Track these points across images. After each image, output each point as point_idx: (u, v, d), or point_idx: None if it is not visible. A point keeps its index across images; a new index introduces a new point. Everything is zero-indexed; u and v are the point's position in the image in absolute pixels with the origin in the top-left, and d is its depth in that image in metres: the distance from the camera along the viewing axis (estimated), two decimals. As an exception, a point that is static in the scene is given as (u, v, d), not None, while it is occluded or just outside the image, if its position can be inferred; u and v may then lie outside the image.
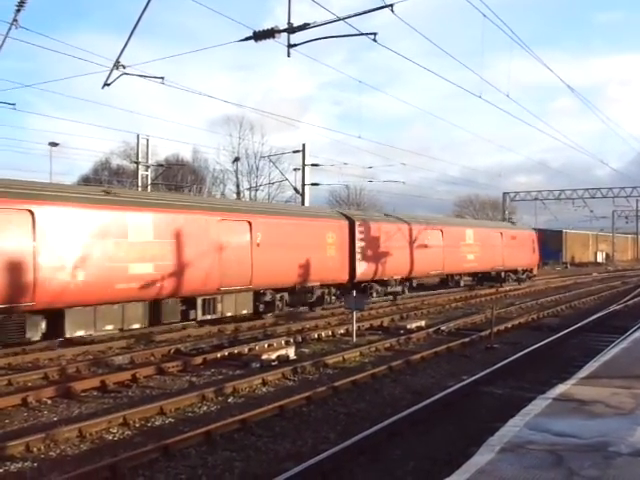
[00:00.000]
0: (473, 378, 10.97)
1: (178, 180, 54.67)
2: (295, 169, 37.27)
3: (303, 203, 32.68)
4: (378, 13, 10.68)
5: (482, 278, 32.88)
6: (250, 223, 18.07)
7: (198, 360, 12.90)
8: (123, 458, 6.93)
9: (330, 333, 16.99)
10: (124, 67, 12.50)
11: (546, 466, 5.01)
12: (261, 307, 18.78)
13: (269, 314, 19.29)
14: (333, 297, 21.77)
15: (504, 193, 59.03)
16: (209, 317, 16.96)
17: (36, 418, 9.07)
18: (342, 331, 17.21)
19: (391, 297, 25.27)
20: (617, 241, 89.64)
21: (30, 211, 12.78)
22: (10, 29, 11.59)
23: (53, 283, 13.00)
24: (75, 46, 20.04)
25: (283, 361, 12.82)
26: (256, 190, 57.53)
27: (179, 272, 15.63)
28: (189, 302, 16.36)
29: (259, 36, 10.96)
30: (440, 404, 9.35)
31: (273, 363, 12.64)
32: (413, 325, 17.98)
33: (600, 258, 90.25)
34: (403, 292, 26.05)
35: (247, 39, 11.20)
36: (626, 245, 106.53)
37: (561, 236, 79.55)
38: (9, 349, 13.44)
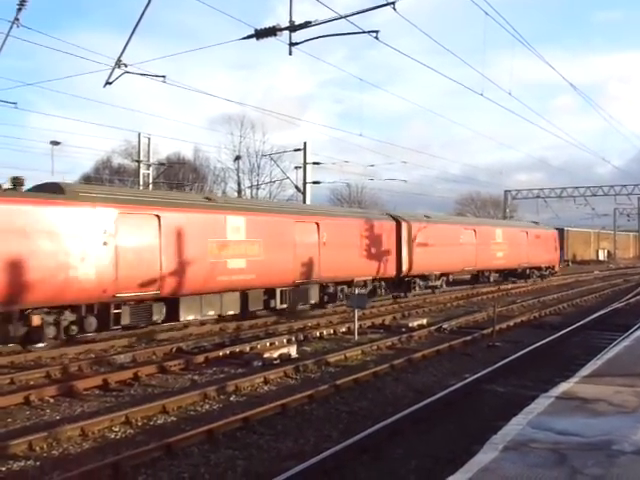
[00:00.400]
0: (475, 376, 10.96)
1: (179, 179, 54.65)
2: (296, 167, 37.30)
3: (304, 201, 32.67)
4: (380, 11, 10.66)
5: (508, 274, 35.23)
6: (318, 224, 20.81)
7: (200, 359, 12.90)
8: (126, 457, 6.93)
9: (332, 331, 16.98)
10: (125, 66, 12.51)
11: (549, 465, 5.01)
12: (325, 298, 21.45)
13: (331, 304, 21.75)
14: (383, 290, 24.43)
15: (506, 191, 59.03)
16: (285, 306, 19.62)
17: (38, 417, 9.07)
18: (344, 329, 17.21)
19: (430, 290, 27.71)
20: (619, 239, 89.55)
21: (157, 216, 15.30)
22: (11, 28, 11.61)
23: (173, 275, 15.57)
24: (76, 45, 20.09)
25: (285, 359, 12.82)
26: (257, 188, 57.62)
27: (264, 267, 18.35)
28: (270, 293, 19.00)
29: (261, 34, 10.95)
30: (442, 403, 9.34)
31: (275, 361, 12.64)
32: (415, 323, 17.98)
33: (602, 256, 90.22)
34: (441, 286, 28.35)
35: (249, 37, 11.20)
36: (628, 243, 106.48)
37: (563, 234, 79.49)
38: (10, 348, 13.46)
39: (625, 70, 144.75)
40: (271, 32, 10.84)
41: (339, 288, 21.76)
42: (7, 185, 13.47)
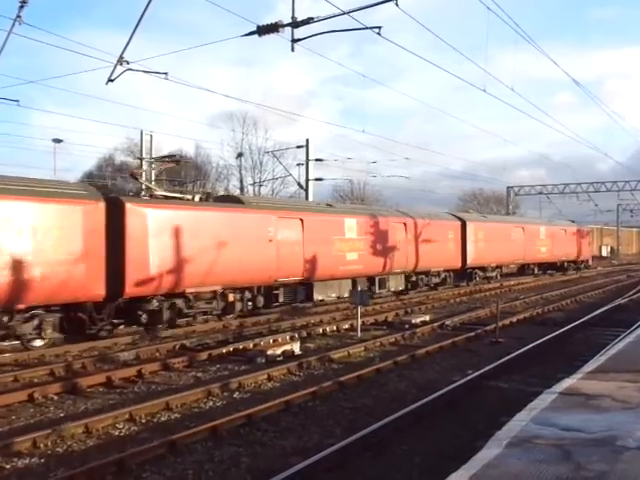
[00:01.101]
0: (478, 372, 10.96)
1: (182, 176, 54.60)
2: (299, 164, 37.27)
3: (307, 198, 32.65)
4: (382, 7, 10.63)
5: (548, 267, 40.00)
6: (405, 224, 25.28)
7: (203, 356, 12.92)
8: (130, 454, 6.95)
9: (335, 328, 16.99)
10: (128, 63, 12.47)
11: (554, 460, 5.00)
12: (409, 285, 26.12)
13: (412, 291, 26.20)
14: (451, 279, 29.19)
15: (508, 187, 58.96)
16: (383, 291, 24.27)
17: (42, 414, 9.10)
18: (347, 326, 17.21)
19: (486, 280, 32.14)
20: (622, 235, 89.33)
21: (301, 219, 19.94)
22: (14, 25, 11.59)
23: (309, 264, 19.99)
24: (78, 42, 20.07)
25: (288, 356, 12.83)
26: (260, 186, 57.55)
27: (369, 259, 22.77)
28: (371, 280, 23.42)
29: (263, 31, 10.92)
30: (446, 399, 9.34)
31: (278, 358, 12.65)
32: (418, 320, 17.97)
33: (605, 252, 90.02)
34: (496, 277, 33.30)
35: (251, 34, 11.16)
36: (631, 239, 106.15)
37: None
38: (14, 345, 13.49)
39: (623, 67, 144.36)
40: (273, 28, 10.81)
41: (420, 277, 26.68)
42: (196, 198, 18.12)
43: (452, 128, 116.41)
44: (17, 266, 12.38)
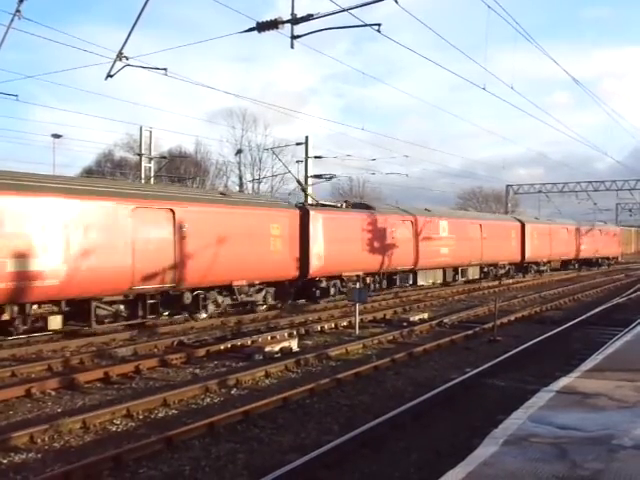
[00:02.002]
0: (476, 370, 10.97)
1: (181, 172, 54.58)
2: (298, 161, 37.23)
3: (306, 196, 32.60)
4: (382, 4, 10.63)
5: (584, 263, 46.55)
6: (481, 225, 31.44)
7: (201, 352, 12.92)
8: (127, 449, 6.95)
9: (333, 325, 17.00)
10: (127, 58, 12.45)
11: (550, 459, 5.01)
12: (482, 275, 31.98)
13: (484, 280, 31.94)
14: (511, 271, 35.29)
15: (507, 185, 58.94)
16: (463, 279, 30.29)
17: (40, 409, 9.10)
18: (345, 323, 17.22)
19: (539, 274, 38.50)
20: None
21: (412, 221, 25.94)
22: (13, 20, 11.56)
23: (417, 256, 25.83)
24: (78, 37, 20.03)
25: (286, 353, 12.84)
26: (259, 182, 57.51)
27: (456, 253, 28.69)
28: (455, 270, 29.40)
29: (262, 27, 10.90)
30: (443, 396, 9.35)
31: (276, 355, 12.66)
32: (416, 318, 17.99)
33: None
34: (546, 270, 40.01)
35: (250, 30, 11.14)
36: (630, 238, 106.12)
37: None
38: (13, 341, 13.49)
39: (619, 66, 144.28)
40: (273, 25, 10.79)
41: (490, 268, 32.83)
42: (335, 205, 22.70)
43: (450, 126, 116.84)
44: (260, 257, 18.26)
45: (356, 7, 10.71)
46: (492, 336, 15.05)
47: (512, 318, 18.42)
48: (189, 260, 16.03)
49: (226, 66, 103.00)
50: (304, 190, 29.97)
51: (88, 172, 51.57)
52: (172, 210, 15.80)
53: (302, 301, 21.47)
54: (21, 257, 12.77)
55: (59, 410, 9.04)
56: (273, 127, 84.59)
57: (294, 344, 13.48)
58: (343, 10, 10.58)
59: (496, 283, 31.69)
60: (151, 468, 6.69)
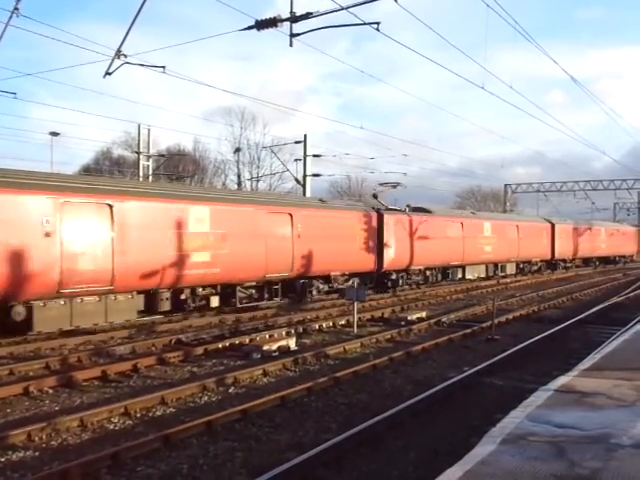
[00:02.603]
0: (474, 369, 10.97)
1: (179, 170, 54.55)
2: (296, 160, 37.22)
3: (304, 194, 32.62)
4: (381, 3, 10.61)
5: (603, 260, 50.85)
6: (517, 226, 35.30)
7: (199, 350, 12.91)
8: (124, 448, 6.94)
9: (331, 324, 17.00)
10: (125, 56, 12.43)
11: (547, 458, 5.01)
12: (517, 270, 36.23)
13: (518, 275, 36.04)
14: (543, 267, 39.84)
15: (506, 185, 58.94)
16: (502, 274, 34.11)
17: (38, 407, 9.08)
18: (343, 322, 17.22)
19: (565, 270, 42.79)
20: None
21: (461, 223, 29.85)
22: (11, 17, 11.53)
23: (464, 253, 29.49)
24: (76, 35, 20.00)
25: (284, 352, 12.83)
26: (257, 181, 57.49)
27: (496, 251, 32.82)
28: (495, 266, 33.24)
29: (261, 25, 10.89)
30: (441, 395, 9.35)
31: (274, 354, 12.65)
32: (414, 316, 17.99)
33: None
34: (572, 267, 44.14)
35: (249, 28, 11.13)
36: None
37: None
38: (11, 339, 13.48)
39: (615, 66, 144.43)
40: (272, 23, 10.78)
41: (525, 265, 37.22)
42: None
43: (448, 125, 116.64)
44: (349, 252, 22.15)
45: (355, 5, 10.70)
46: (490, 335, 15.06)
47: (510, 317, 18.43)
48: (301, 254, 19.82)
49: (225, 64, 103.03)
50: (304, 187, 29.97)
51: (86, 170, 51.46)
52: (290, 214, 19.69)
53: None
54: (201, 250, 16.53)
55: (57, 408, 9.02)
56: (271, 126, 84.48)
57: (292, 343, 13.48)
58: (342, 8, 10.57)
59: (494, 282, 31.72)
60: (149, 466, 6.68)
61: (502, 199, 60.10)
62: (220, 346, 13.44)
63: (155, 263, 15.36)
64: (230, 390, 10.06)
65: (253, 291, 18.97)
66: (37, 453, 7.09)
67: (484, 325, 16.24)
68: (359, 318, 16.97)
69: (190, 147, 60.21)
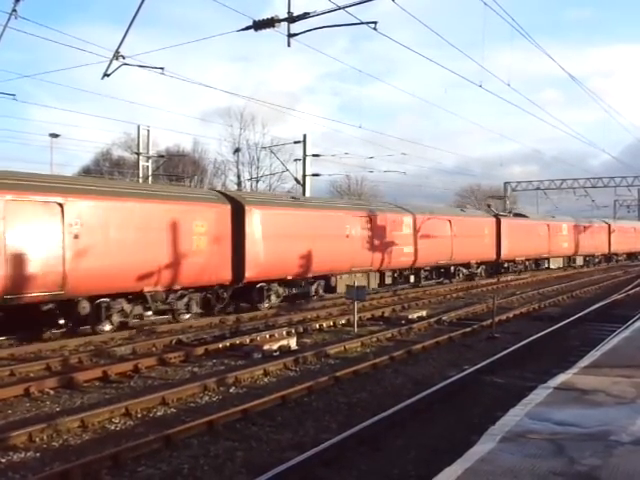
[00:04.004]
0: (474, 367, 10.99)
1: (179, 171, 54.55)
2: (296, 160, 37.22)
3: (304, 194, 32.62)
4: (378, 2, 10.65)
5: (631, 255, 57.73)
6: (584, 227, 42.56)
7: (200, 351, 12.92)
8: (125, 448, 6.95)
9: (331, 323, 17.01)
10: (124, 57, 12.44)
11: (547, 455, 5.03)
12: (584, 262, 45.80)
13: (584, 266, 44.80)
14: (602, 261, 48.91)
15: (505, 183, 58.88)
16: (575, 264, 42.83)
17: (38, 408, 9.10)
18: (343, 321, 17.23)
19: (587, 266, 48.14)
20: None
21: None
22: (9, 19, 11.55)
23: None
24: (75, 36, 20.00)
25: (284, 351, 12.84)
26: (257, 181, 57.52)
27: (570, 246, 41.55)
28: (569, 259, 41.56)
29: (259, 25, 10.90)
30: (441, 394, 9.37)
31: (275, 353, 12.66)
32: (414, 315, 18.00)
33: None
34: (622, 260, 53.17)
35: (247, 28, 11.14)
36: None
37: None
38: (10, 340, 13.49)
39: (605, 65, 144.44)
40: (269, 23, 10.79)
41: (589, 258, 45.81)
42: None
43: (445, 124, 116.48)
44: (482, 246, 31.14)
45: (352, 5, 10.71)
46: (490, 333, 15.07)
47: (510, 315, 18.44)
48: (456, 250, 28.88)
49: (223, 65, 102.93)
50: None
51: (86, 171, 51.48)
52: (449, 221, 28.79)
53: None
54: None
55: (58, 409, 9.04)
56: (272, 126, 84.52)
57: (293, 342, 13.49)
58: (339, 8, 10.58)
59: (494, 280, 31.72)
60: (150, 467, 6.69)
61: (501, 197, 60.04)
62: (221, 346, 13.45)
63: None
64: (231, 390, 10.07)
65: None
66: (38, 454, 7.10)
67: (484, 323, 16.26)
68: (359, 317, 16.98)
69: (190, 148, 60.28)
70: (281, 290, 19.80)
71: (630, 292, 25.38)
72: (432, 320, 17.35)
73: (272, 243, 18.51)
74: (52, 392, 9.92)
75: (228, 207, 17.69)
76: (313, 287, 21.14)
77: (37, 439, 7.48)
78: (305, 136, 33.45)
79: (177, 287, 16.16)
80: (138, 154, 33.57)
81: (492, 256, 32.65)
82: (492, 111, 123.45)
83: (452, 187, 72.80)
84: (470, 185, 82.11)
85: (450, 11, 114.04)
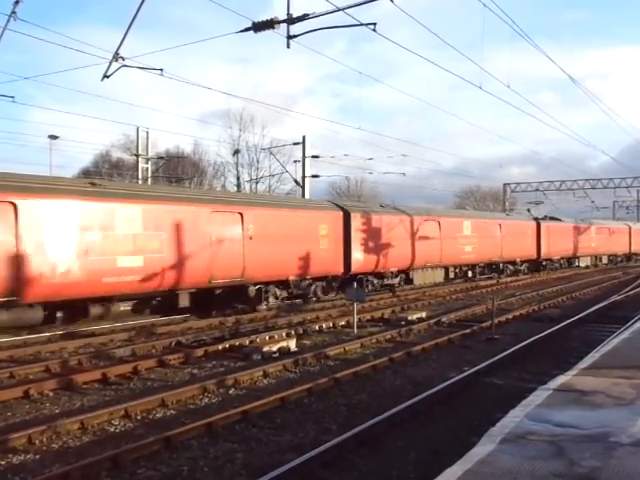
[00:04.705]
0: (474, 369, 10.98)
1: (179, 172, 54.54)
2: (295, 161, 37.23)
3: (303, 195, 32.63)
4: (378, 4, 10.63)
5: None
6: (609, 229, 48.19)
7: (199, 352, 12.91)
8: (125, 450, 6.95)
9: (331, 325, 17.00)
10: (123, 59, 12.45)
11: (547, 457, 5.02)
12: (609, 261, 51.23)
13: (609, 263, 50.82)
14: (623, 260, 54.60)
15: (504, 184, 58.94)
16: (601, 262, 48.72)
17: (38, 410, 9.09)
18: (343, 323, 17.23)
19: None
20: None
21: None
22: (9, 21, 11.56)
23: (581, 248, 44.56)
24: (74, 38, 19.95)
25: (284, 353, 12.84)
26: (256, 182, 57.51)
27: (597, 246, 47.17)
28: (596, 257, 47.22)
29: (258, 27, 10.90)
30: (441, 395, 9.36)
31: (274, 355, 12.66)
32: (414, 316, 18.00)
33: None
34: (622, 261, 55.38)
35: (246, 30, 11.14)
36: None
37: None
38: (10, 342, 13.48)
39: (600, 67, 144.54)
40: (269, 25, 10.79)
41: (613, 257, 49.98)
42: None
43: (443, 125, 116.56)
44: (526, 246, 36.59)
45: (352, 6, 10.72)
46: (490, 334, 15.07)
47: (510, 316, 18.44)
48: (506, 247, 34.07)
49: (223, 67, 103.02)
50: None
51: (85, 173, 51.46)
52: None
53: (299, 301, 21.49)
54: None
55: (57, 411, 9.03)
56: (271, 127, 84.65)
57: (292, 344, 13.48)
58: (339, 9, 10.59)
59: (494, 282, 31.72)
60: (149, 468, 6.69)
61: (501, 199, 60.08)
62: (220, 348, 13.44)
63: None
64: (230, 391, 10.07)
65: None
66: (38, 456, 7.09)
67: (484, 325, 16.26)
68: (359, 319, 16.98)
69: (189, 149, 60.28)
70: (375, 281, 24.02)
71: (629, 293, 25.37)
72: (432, 321, 17.35)
73: (368, 243, 23.10)
74: (51, 394, 9.91)
75: (340, 213, 22.32)
76: (397, 279, 25.84)
77: (37, 441, 7.47)
78: (304, 137, 33.45)
79: (308, 277, 20.79)
80: (137, 156, 33.59)
81: (533, 255, 38.08)
82: (491, 113, 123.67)
83: (451, 188, 72.96)
84: (470, 186, 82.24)
85: (450, 12, 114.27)
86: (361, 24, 10.79)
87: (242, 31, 11.21)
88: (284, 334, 14.95)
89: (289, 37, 10.91)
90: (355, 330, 15.93)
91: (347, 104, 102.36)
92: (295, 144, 35.13)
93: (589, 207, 57.33)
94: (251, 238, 18.02)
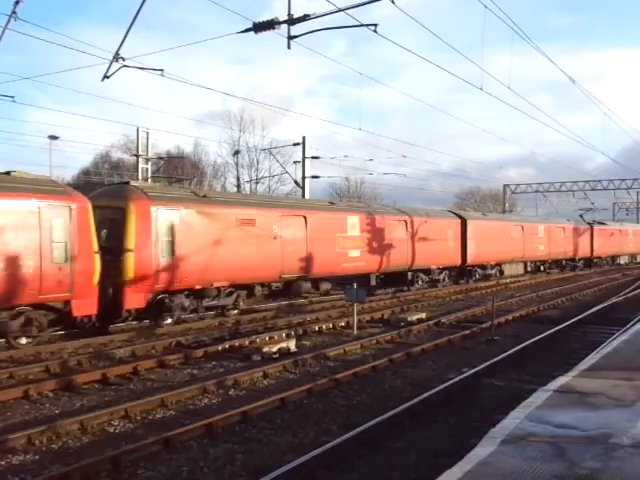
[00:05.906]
0: (474, 370, 10.97)
1: (179, 173, 54.54)
2: (295, 162, 37.23)
3: (304, 196, 32.63)
4: (378, 5, 10.65)
5: None
6: (620, 231, 52.83)
7: (199, 353, 12.91)
8: (125, 451, 6.94)
9: (331, 326, 16.99)
10: (123, 59, 12.44)
11: (547, 458, 5.02)
12: (629, 260, 57.58)
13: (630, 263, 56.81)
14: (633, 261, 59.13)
15: (504, 185, 58.96)
16: (621, 262, 54.28)
17: (38, 411, 9.08)
18: (343, 324, 17.22)
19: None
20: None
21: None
22: (9, 21, 11.56)
23: (598, 248, 47.91)
24: (74, 39, 19.96)
25: (284, 354, 12.83)
26: (256, 183, 57.50)
27: (617, 247, 51.81)
28: (617, 257, 53.62)
29: (259, 27, 10.89)
30: (441, 396, 9.36)
31: (274, 356, 12.65)
32: (414, 317, 17.98)
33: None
34: (631, 261, 59.49)
35: (247, 30, 11.13)
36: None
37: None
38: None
39: (592, 70, 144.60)
40: (269, 25, 10.78)
41: (633, 258, 55.94)
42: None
43: (441, 126, 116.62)
44: (580, 247, 44.88)
45: (352, 7, 10.72)
46: (490, 336, 15.06)
47: (510, 318, 18.44)
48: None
49: (223, 67, 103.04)
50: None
51: (85, 173, 51.49)
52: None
53: (301, 300, 21.46)
54: None
55: (57, 412, 9.02)
56: (271, 128, 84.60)
57: (292, 344, 13.47)
58: (339, 10, 10.58)
59: (494, 283, 31.70)
60: (149, 469, 6.68)
61: (501, 200, 60.11)
62: (220, 348, 13.44)
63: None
64: (230, 392, 10.06)
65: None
66: (37, 456, 7.09)
67: (484, 326, 16.25)
68: (359, 319, 16.97)
69: (190, 150, 60.29)
70: (480, 271, 31.75)
71: (629, 295, 25.36)
72: (431, 322, 17.34)
73: (479, 244, 30.59)
74: (51, 394, 9.91)
75: (459, 221, 30.02)
76: (493, 270, 33.15)
77: (36, 442, 7.47)
78: (304, 138, 33.46)
79: (440, 267, 28.43)
80: (137, 156, 33.56)
81: (588, 253, 46.25)
82: (490, 114, 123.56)
83: (450, 189, 72.95)
84: (470, 187, 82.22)
85: (450, 13, 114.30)
86: (362, 25, 10.79)
87: (243, 32, 11.20)
88: (284, 335, 14.94)
89: (290, 38, 10.90)
90: (355, 331, 15.93)
91: (347, 105, 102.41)
92: (295, 145, 35.15)
93: (582, 210, 57.10)
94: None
